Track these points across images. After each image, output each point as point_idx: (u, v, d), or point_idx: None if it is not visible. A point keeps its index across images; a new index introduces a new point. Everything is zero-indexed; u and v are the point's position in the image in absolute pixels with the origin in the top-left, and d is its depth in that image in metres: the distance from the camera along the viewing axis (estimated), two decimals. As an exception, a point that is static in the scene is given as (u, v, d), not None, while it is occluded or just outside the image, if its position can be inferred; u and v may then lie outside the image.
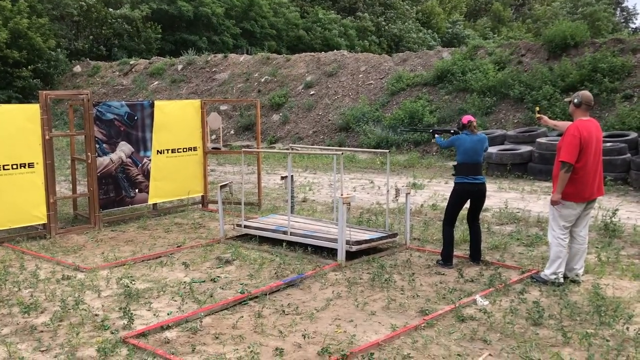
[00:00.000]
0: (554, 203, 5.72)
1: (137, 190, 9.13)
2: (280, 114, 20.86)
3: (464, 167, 6.40)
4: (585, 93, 5.77)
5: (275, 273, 6.23)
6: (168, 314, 5.03)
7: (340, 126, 18.68)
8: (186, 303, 5.31)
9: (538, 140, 12.90)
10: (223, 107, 22.21)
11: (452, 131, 6.92)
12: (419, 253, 7.04)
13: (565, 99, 6.21)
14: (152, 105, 9.34)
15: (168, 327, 4.72)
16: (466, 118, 6.55)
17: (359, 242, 6.72)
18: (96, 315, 5.05)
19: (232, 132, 21.18)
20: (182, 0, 35.26)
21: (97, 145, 8.58)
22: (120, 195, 8.93)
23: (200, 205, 10.15)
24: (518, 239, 7.58)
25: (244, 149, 9.11)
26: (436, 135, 7.03)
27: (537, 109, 6.73)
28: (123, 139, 8.91)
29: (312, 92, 21.29)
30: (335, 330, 4.73)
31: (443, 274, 6.22)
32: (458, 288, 5.74)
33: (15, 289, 5.75)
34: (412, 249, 7.19)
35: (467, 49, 19.94)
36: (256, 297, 5.43)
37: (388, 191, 7.60)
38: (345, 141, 18.03)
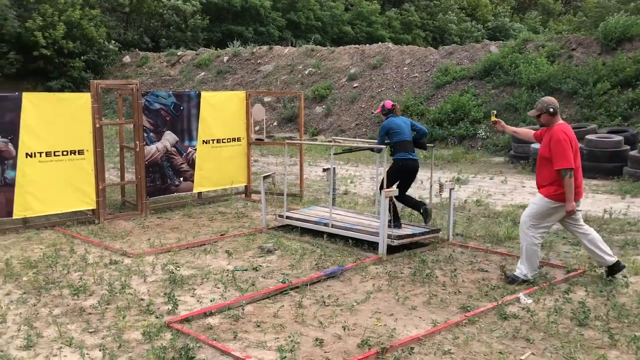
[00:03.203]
0: (571, 213, 5.54)
1: (181, 179, 9.30)
2: (323, 106, 20.88)
3: (402, 145, 6.95)
4: (551, 99, 5.76)
5: (316, 264, 6.26)
6: (211, 301, 5.12)
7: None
8: (229, 290, 5.40)
9: (587, 137, 12.53)
10: (267, 99, 22.37)
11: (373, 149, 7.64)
12: (462, 249, 6.96)
13: (530, 113, 6.08)
14: (198, 96, 9.49)
15: (211, 314, 4.81)
16: (389, 103, 7.23)
17: (400, 237, 6.69)
18: (142, 299, 5.18)
19: (275, 123, 21.32)
20: (231, -9, 35.47)
21: (145, 134, 8.77)
22: (165, 183, 9.13)
23: (244, 195, 10.28)
24: (564, 237, 7.40)
25: (287, 141, 9.16)
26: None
27: (494, 112, 6.62)
28: (168, 128, 9.09)
29: (355, 85, 21.23)
30: (375, 323, 4.73)
31: (486, 271, 6.13)
32: (501, 285, 5.66)
33: (65, 271, 5.95)
34: (454, 244, 7.11)
35: (516, 42, 19.51)
36: (297, 287, 5.48)
37: (432, 186, 7.52)
38: (389, 134, 17.93)
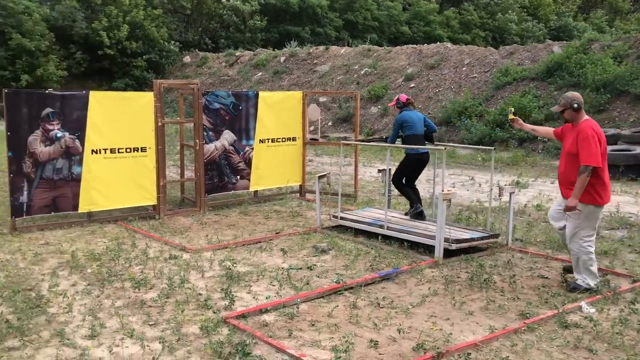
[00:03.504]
0: (571, 209, 5.40)
1: (238, 177, 9.45)
2: (379, 107, 20.78)
3: (414, 140, 7.31)
4: (576, 94, 5.61)
5: (371, 265, 6.23)
6: (267, 298, 5.18)
7: (441, 120, 18.33)
8: (284, 288, 5.44)
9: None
10: (322, 99, 22.46)
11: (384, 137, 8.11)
12: (521, 254, 6.77)
13: (553, 109, 5.91)
14: (256, 96, 9.62)
15: (266, 311, 4.86)
16: (404, 96, 7.53)
17: (459, 241, 6.57)
18: (200, 294, 5.29)
19: (329, 123, 21.37)
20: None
21: (204, 133, 8.96)
22: (223, 181, 9.29)
23: (298, 194, 10.35)
24: (630, 245, 7.10)
25: (342, 141, 9.15)
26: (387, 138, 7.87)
27: (512, 110, 6.46)
28: (227, 127, 9.25)
29: (412, 85, 21.03)
30: (431, 327, 4.67)
31: (546, 278, 5.95)
32: (562, 293, 5.48)
33: (127, 265, 6.14)
34: (513, 250, 6.93)
35: (581, 42, 18.85)
36: (351, 287, 5.47)
37: (492, 189, 7.37)
38: (445, 136, 17.67)
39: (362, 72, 23.28)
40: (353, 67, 23.98)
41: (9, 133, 7.33)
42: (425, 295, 5.37)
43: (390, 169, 8.09)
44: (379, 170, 8.46)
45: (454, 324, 4.76)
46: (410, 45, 24.95)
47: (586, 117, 5.57)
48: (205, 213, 8.89)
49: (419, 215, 7.57)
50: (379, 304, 5.15)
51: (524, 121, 6.37)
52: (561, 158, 5.73)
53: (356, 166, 10.25)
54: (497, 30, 44.19)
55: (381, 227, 7.22)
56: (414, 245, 6.86)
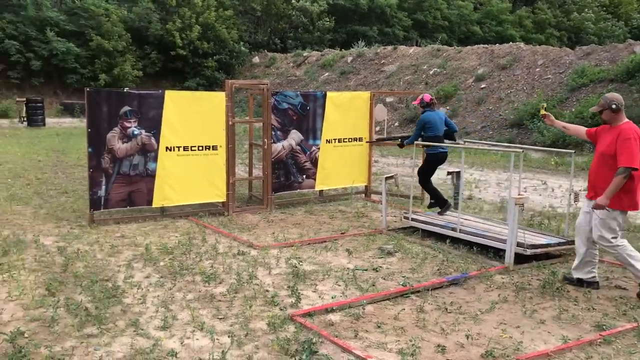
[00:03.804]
0: (600, 207, 5.30)
1: (304, 177, 9.54)
2: (448, 107, 20.44)
3: (435, 140, 7.63)
4: (616, 95, 5.47)
5: (438, 269, 6.14)
6: (332, 298, 5.20)
7: (512, 122, 17.85)
8: (349, 289, 5.44)
9: None
10: (389, 99, 22.31)
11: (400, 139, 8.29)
12: (598, 264, 6.47)
13: (592, 109, 5.71)
14: (324, 96, 9.67)
15: (332, 310, 4.88)
16: (428, 96, 7.77)
17: (534, 246, 6.37)
18: (267, 291, 5.37)
19: (396, 124, 21.21)
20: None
21: (273, 132, 9.09)
22: (289, 180, 9.40)
23: (364, 194, 10.32)
24: None
25: (417, 142, 9.02)
26: (404, 142, 8.16)
27: (544, 106, 6.25)
28: (295, 127, 9.35)
29: (482, 86, 20.57)
30: (500, 335, 4.55)
31: (624, 289, 5.67)
32: (642, 306, 5.21)
33: (197, 259, 6.32)
34: (588, 258, 6.63)
35: (666, 42, 17.86)
36: (418, 291, 5.40)
37: (570, 194, 7.10)
38: (516, 138, 17.17)
39: (431, 72, 22.97)
40: (422, 67, 23.70)
41: (89, 130, 7.69)
42: (494, 301, 5.24)
43: (460, 171, 7.94)
44: (449, 173, 8.33)
45: (525, 332, 4.62)
46: (482, 45, 24.39)
47: (626, 119, 5.44)
48: (272, 211, 9.02)
49: (448, 207, 7.90)
50: (446, 308, 5.06)
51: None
52: (595, 159, 5.59)
53: (424, 168, 10.11)
54: (573, 29, 42.54)
55: (453, 229, 7.10)
56: (483, 250, 6.71)
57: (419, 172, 8.16)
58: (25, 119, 23.18)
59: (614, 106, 5.37)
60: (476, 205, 9.65)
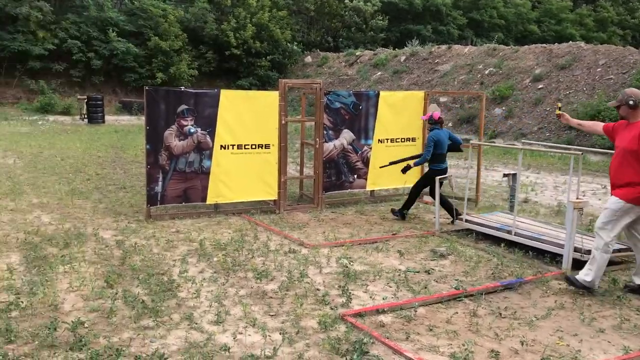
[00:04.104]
0: None
1: (355, 176, 9.51)
2: (504, 108, 20.01)
3: (440, 157, 8.01)
4: (635, 90, 5.36)
5: (492, 273, 6.01)
6: (383, 299, 5.16)
7: (570, 124, 17.28)
8: (400, 290, 5.39)
9: None
10: (442, 99, 22.01)
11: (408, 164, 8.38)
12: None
13: (609, 104, 5.60)
14: (377, 96, 9.62)
15: (383, 311, 4.85)
16: (437, 114, 8.01)
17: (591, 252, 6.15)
18: (317, 289, 5.39)
19: (450, 124, 20.90)
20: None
21: (324, 132, 9.11)
22: (340, 179, 9.40)
23: (416, 196, 10.20)
24: None
25: (471, 142, 8.86)
26: (412, 164, 8.34)
27: (559, 105, 6.31)
28: (347, 126, 9.34)
29: (540, 86, 20.03)
30: (557, 342, 4.41)
31: (691, 299, 5.41)
32: None
33: (250, 256, 6.40)
34: (652, 266, 6.36)
35: None
36: (471, 295, 5.30)
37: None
38: (575, 140, 16.64)
39: (487, 72, 22.52)
40: (477, 67, 23.27)
41: (147, 127, 7.90)
42: (551, 307, 5.09)
43: (515, 174, 7.77)
44: (505, 175, 8.15)
45: (583, 340, 4.47)
46: (540, 45, 23.74)
47: None
48: (323, 210, 9.04)
49: (402, 217, 8.43)
50: (500, 313, 4.95)
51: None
52: (615, 155, 5.44)
53: (479, 169, 9.93)
54: (638, 27, 40.83)
55: (508, 232, 6.94)
56: (539, 255, 6.53)
57: (418, 182, 8.54)
58: (85, 116, 24.04)
59: (631, 102, 5.27)
60: (532, 208, 9.40)
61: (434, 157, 8.02)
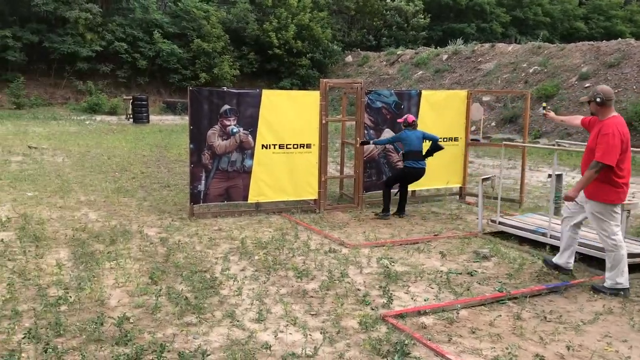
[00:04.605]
0: (569, 199, 5.44)
1: (397, 176, 9.43)
2: (550, 107, 19.54)
3: (410, 154, 8.39)
4: (604, 88, 5.46)
5: (537, 276, 5.88)
6: (425, 300, 5.11)
7: (619, 123, 16.75)
8: (442, 292, 5.33)
9: None
10: (485, 98, 21.65)
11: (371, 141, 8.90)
12: None
13: (581, 99, 5.65)
14: (419, 95, 9.53)
15: (425, 313, 4.80)
16: (411, 117, 8.58)
17: (634, 255, 5.96)
18: (358, 289, 5.37)
19: (492, 124, 20.55)
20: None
21: (365, 131, 9.08)
22: (381, 179, 9.35)
23: (458, 196, 10.08)
24: None
25: (504, 142, 8.72)
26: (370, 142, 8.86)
27: (544, 105, 6.63)
28: (388, 126, 9.28)
29: (587, 85, 19.49)
30: (605, 348, 4.28)
31: None
32: None
33: (290, 255, 6.43)
34: None
35: None
36: (515, 297, 5.20)
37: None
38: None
39: (531, 71, 22.05)
40: (521, 65, 22.80)
41: (191, 127, 8.03)
42: (598, 312, 4.95)
43: (557, 174, 7.58)
44: (549, 175, 7.95)
45: (633, 347, 4.33)
46: (587, 42, 23.09)
47: (614, 113, 5.42)
48: (363, 210, 9.01)
49: (385, 216, 8.58)
50: (545, 317, 4.84)
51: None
52: (585, 151, 5.59)
53: (523, 170, 9.73)
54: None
55: (544, 235, 6.78)
56: (585, 258, 6.35)
57: (389, 176, 8.99)
58: (131, 116, 24.62)
59: (598, 99, 5.37)
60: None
61: (406, 154, 8.43)
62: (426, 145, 8.68)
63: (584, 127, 5.82)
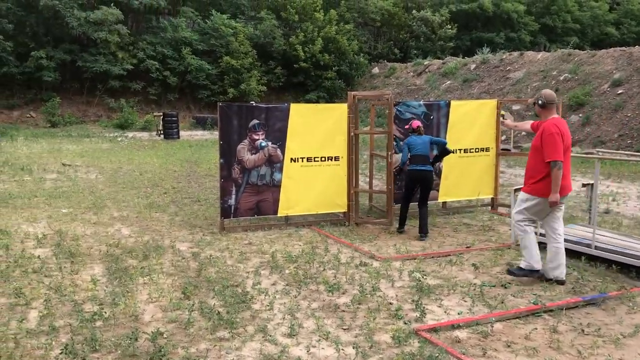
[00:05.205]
0: (553, 204, 5.70)
1: (427, 188, 9.35)
2: (580, 115, 19.22)
3: (414, 158, 8.21)
4: (547, 92, 5.88)
5: (573, 288, 5.75)
6: (458, 314, 5.04)
7: (654, 130, 16.39)
8: (476, 305, 5.25)
9: None
10: (515, 107, 21.40)
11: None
12: None
13: (529, 100, 5.97)
14: (448, 105, 9.47)
15: (459, 327, 4.73)
16: (415, 123, 8.50)
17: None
18: (390, 303, 5.33)
19: (523, 133, 20.26)
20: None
21: (394, 143, 9.04)
22: (412, 191, 9.27)
23: (490, 207, 9.95)
24: None
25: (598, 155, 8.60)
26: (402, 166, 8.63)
27: (502, 113, 7.21)
28: (417, 137, 9.22)
29: (619, 92, 19.11)
30: (647, 363, 4.16)
31: None
32: None
33: (321, 268, 6.42)
34: None
35: None
36: (551, 310, 5.09)
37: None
38: (660, 147, 15.74)
39: (562, 78, 21.73)
40: (551, 73, 22.49)
41: (221, 142, 8.11)
42: (638, 325, 4.81)
43: (594, 183, 7.41)
44: (584, 185, 7.80)
45: (676, 362, 4.19)
46: (619, 48, 22.67)
47: (554, 115, 5.85)
48: (393, 222, 8.95)
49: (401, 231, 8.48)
50: (582, 330, 4.73)
51: None
52: (530, 148, 5.97)
53: (554, 179, 9.55)
54: None
55: (587, 246, 6.63)
56: (624, 269, 6.19)
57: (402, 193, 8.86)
58: (161, 132, 25.00)
59: (540, 102, 5.83)
60: (614, 219, 8.95)
61: (413, 159, 8.32)
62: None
63: (533, 131, 6.17)
